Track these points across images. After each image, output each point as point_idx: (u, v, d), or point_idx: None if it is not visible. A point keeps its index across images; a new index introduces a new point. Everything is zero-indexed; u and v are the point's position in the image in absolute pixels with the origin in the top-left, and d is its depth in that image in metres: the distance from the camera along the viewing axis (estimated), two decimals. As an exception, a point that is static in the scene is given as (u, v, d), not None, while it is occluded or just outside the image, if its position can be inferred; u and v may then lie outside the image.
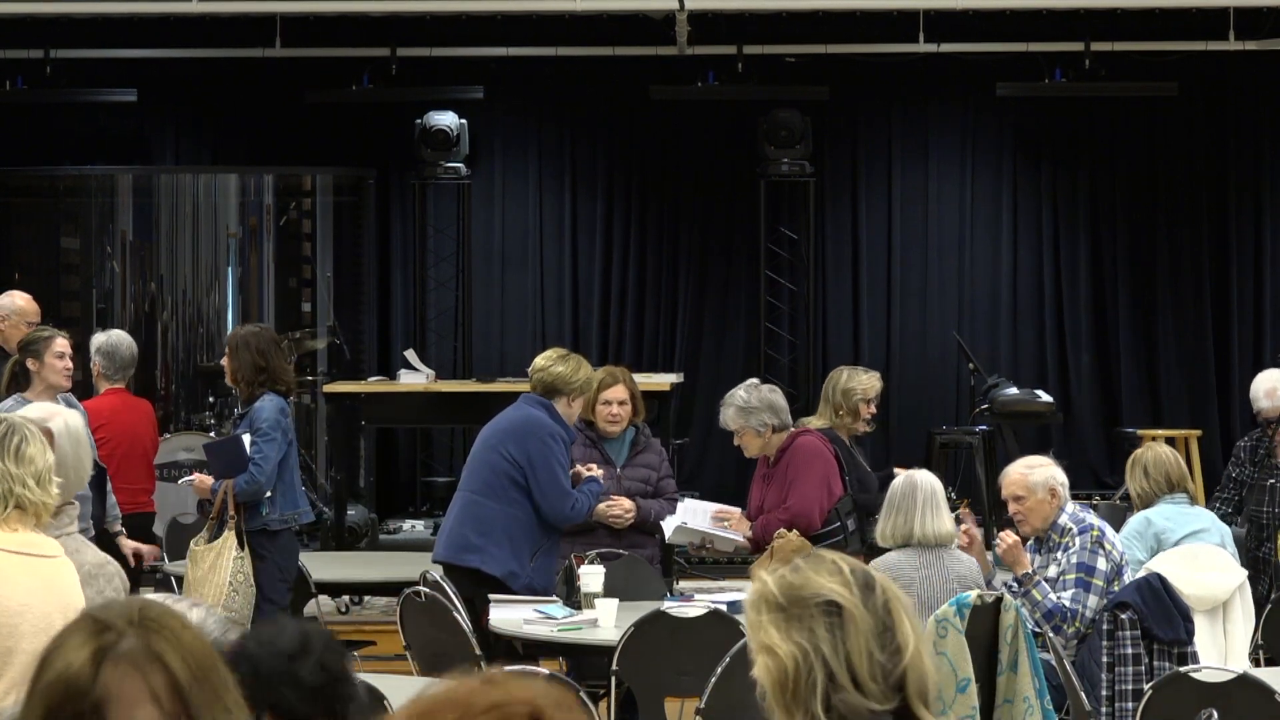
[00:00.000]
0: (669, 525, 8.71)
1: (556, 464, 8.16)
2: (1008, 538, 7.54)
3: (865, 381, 9.33)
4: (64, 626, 2.39)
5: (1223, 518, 9.47)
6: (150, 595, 4.94)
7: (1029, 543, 7.68)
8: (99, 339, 10.07)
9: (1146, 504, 8.53)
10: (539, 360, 8.45)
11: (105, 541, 9.33)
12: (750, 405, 8.68)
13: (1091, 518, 7.66)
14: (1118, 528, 8.32)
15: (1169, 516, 8.46)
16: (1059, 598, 7.47)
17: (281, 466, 8.82)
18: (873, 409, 9.36)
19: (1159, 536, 8.40)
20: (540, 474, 8.13)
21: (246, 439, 8.73)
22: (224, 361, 8.99)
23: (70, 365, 8.99)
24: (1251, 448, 10.58)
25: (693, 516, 8.79)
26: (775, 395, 8.86)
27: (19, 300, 10.08)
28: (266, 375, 8.83)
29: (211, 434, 13.38)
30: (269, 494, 8.76)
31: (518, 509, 8.14)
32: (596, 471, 8.39)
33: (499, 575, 8.04)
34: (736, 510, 8.87)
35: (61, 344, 8.97)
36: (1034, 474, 7.60)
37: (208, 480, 8.90)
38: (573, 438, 8.38)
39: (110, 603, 2.40)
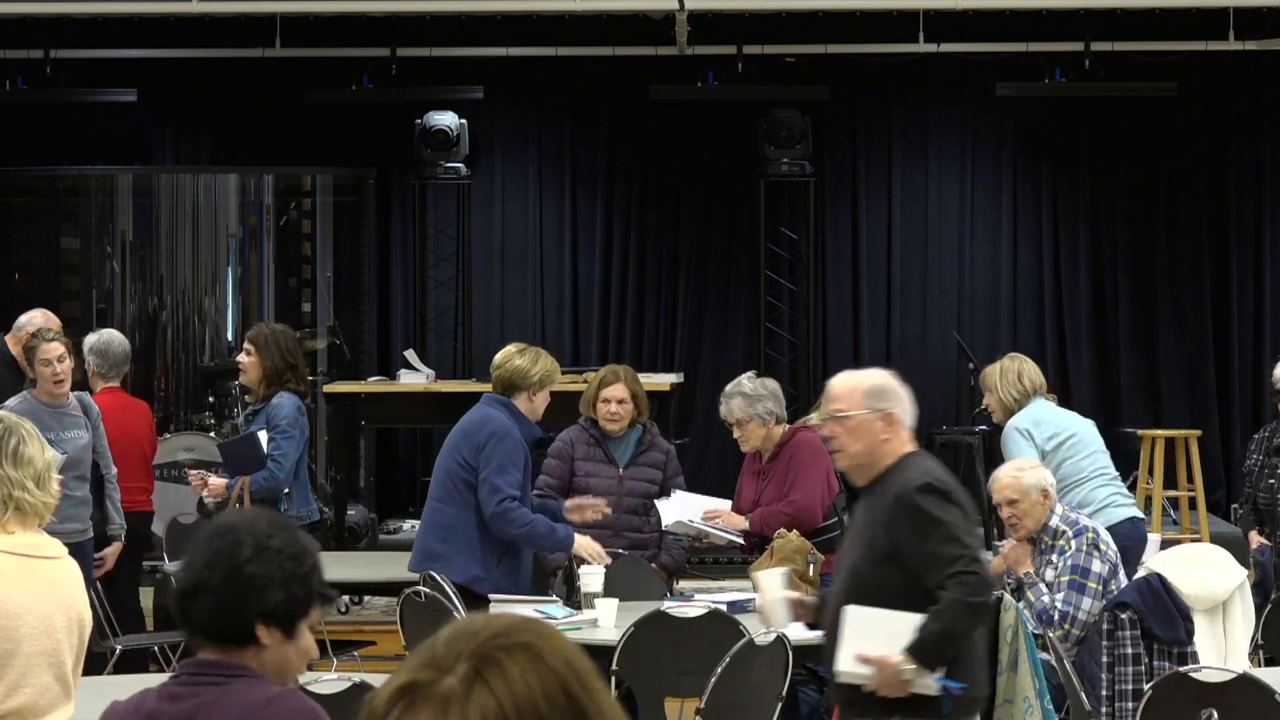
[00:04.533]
0: (666, 515, 8.69)
1: (499, 462, 8.09)
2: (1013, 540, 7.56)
3: None
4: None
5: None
6: None
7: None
8: (90, 339, 10.06)
9: (1012, 410, 8.71)
10: (498, 357, 8.38)
11: (109, 543, 9.35)
12: (757, 393, 8.66)
13: (1084, 519, 7.65)
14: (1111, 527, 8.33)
15: (1047, 413, 8.87)
16: (1052, 600, 7.46)
17: (295, 465, 8.83)
18: None
19: (1042, 434, 8.61)
20: (480, 472, 8.11)
21: (262, 436, 8.69)
22: (242, 358, 8.90)
23: (58, 370, 8.85)
24: (1266, 438, 10.57)
25: (685, 510, 8.78)
26: (775, 385, 8.88)
27: (38, 319, 9.96)
28: (290, 374, 8.81)
29: (211, 434, 13.38)
30: (286, 491, 8.75)
31: (476, 512, 8.13)
32: (588, 508, 8.31)
33: (462, 581, 8.00)
34: (724, 506, 8.85)
35: (47, 350, 8.84)
36: (1026, 476, 7.60)
37: (220, 481, 8.85)
38: (531, 435, 8.30)
39: (464, 631, 2.03)
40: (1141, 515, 9.00)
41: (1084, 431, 8.84)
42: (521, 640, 1.98)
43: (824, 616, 5.62)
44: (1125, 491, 8.87)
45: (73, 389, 9.25)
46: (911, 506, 5.38)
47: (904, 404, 5.60)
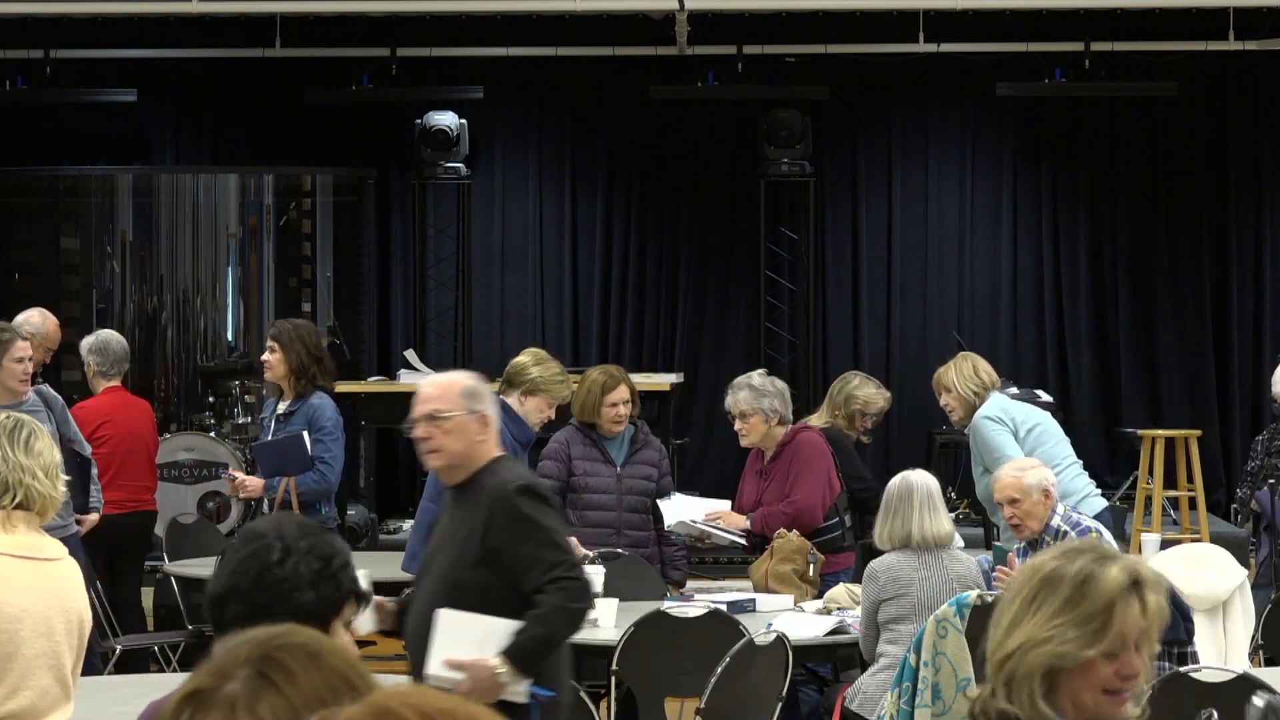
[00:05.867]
0: (669, 515, 8.69)
1: None
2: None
3: (868, 394, 9.40)
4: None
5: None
6: None
7: (1021, 546, 7.65)
8: (88, 340, 10.01)
9: (974, 404, 8.71)
10: None
11: (113, 539, 9.33)
12: (765, 389, 8.67)
13: (1085, 519, 7.64)
14: (1116, 529, 8.35)
15: (1010, 403, 8.95)
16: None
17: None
18: (869, 423, 9.42)
19: (1016, 421, 8.68)
20: None
21: (305, 436, 8.63)
22: (267, 356, 8.81)
23: (29, 370, 8.66)
24: (1268, 439, 10.59)
25: (686, 510, 8.79)
26: (785, 386, 8.88)
27: (35, 318, 9.86)
28: (316, 368, 8.75)
29: (211, 434, 13.38)
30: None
31: None
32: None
33: None
34: (724, 507, 8.85)
35: (21, 348, 8.60)
36: (1027, 476, 7.58)
37: (258, 482, 8.80)
38: (525, 436, 8.30)
39: (244, 639, 2.12)
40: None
41: (1046, 420, 8.94)
42: (298, 640, 2.01)
43: (406, 621, 5.45)
44: (1091, 480, 8.95)
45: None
46: (510, 509, 5.29)
47: (494, 407, 5.57)
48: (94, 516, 9.15)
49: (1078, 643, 3.06)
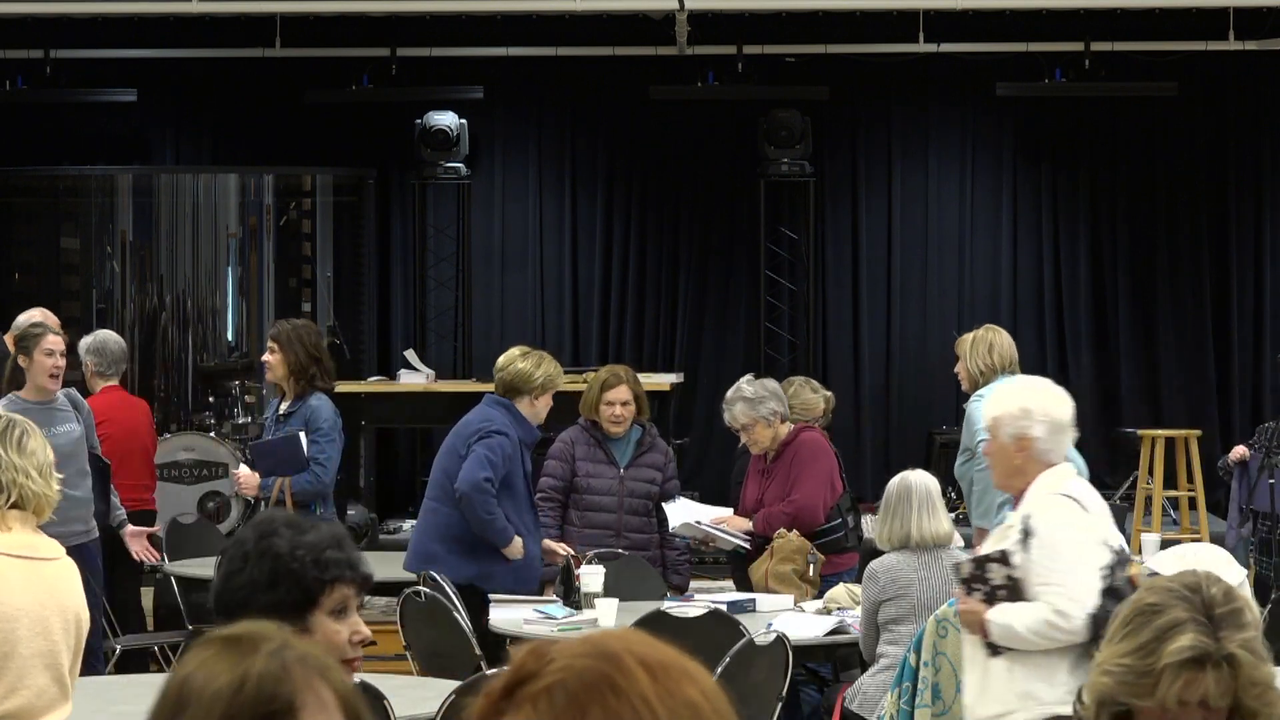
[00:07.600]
0: (674, 517, 8.69)
1: (487, 446, 8.13)
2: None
3: (804, 400, 9.14)
4: (195, 649, 2.13)
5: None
6: None
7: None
8: (86, 340, 10.03)
9: (978, 383, 8.66)
10: (501, 359, 8.46)
11: (112, 540, 9.34)
12: (758, 395, 8.65)
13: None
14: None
15: None
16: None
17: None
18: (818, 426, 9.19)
19: None
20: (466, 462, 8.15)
21: (302, 437, 8.63)
22: (267, 357, 8.82)
23: (60, 364, 8.71)
24: (1274, 430, 10.58)
25: (691, 513, 8.79)
26: (775, 384, 8.86)
27: (36, 318, 9.84)
28: (318, 371, 8.75)
29: (211, 434, 13.38)
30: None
31: None
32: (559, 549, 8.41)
33: (460, 581, 8.04)
34: (727, 513, 8.84)
35: (52, 342, 8.69)
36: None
37: (253, 478, 8.80)
38: (531, 438, 8.33)
39: (250, 625, 2.17)
40: None
41: None
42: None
43: None
44: None
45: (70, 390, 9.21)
46: None
47: None
48: (130, 529, 9.19)
49: (1128, 690, 2.95)
